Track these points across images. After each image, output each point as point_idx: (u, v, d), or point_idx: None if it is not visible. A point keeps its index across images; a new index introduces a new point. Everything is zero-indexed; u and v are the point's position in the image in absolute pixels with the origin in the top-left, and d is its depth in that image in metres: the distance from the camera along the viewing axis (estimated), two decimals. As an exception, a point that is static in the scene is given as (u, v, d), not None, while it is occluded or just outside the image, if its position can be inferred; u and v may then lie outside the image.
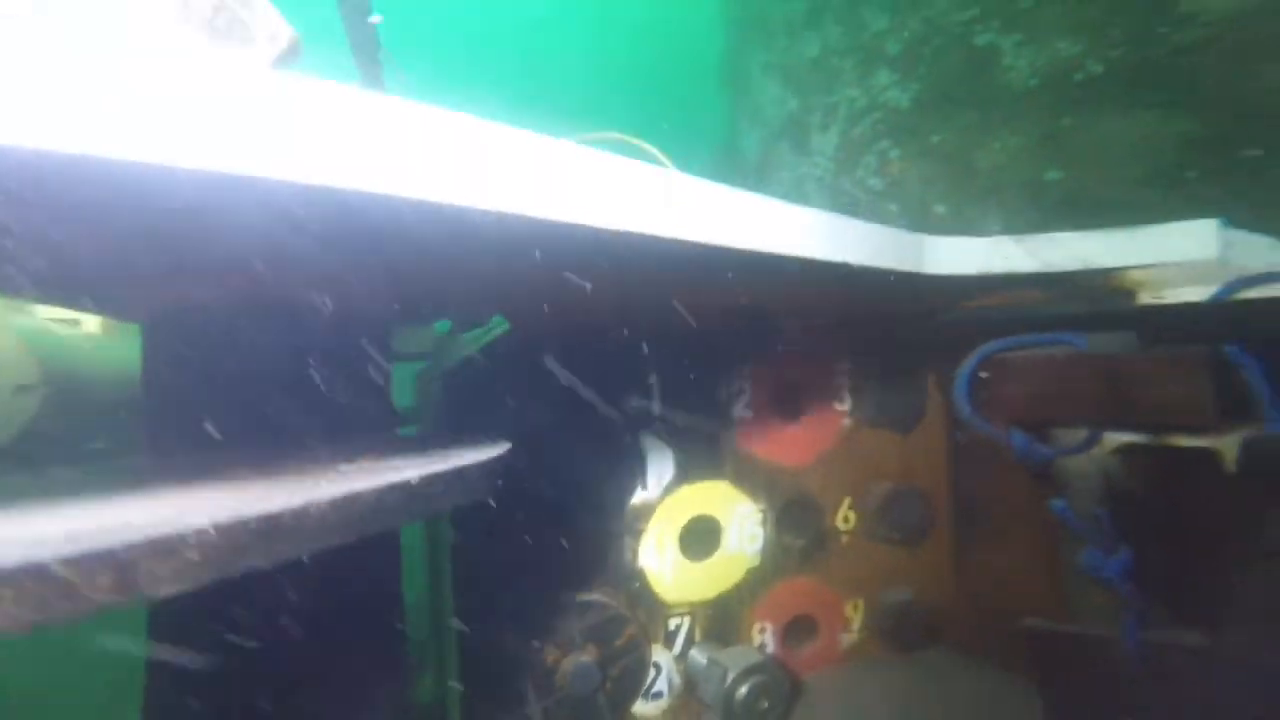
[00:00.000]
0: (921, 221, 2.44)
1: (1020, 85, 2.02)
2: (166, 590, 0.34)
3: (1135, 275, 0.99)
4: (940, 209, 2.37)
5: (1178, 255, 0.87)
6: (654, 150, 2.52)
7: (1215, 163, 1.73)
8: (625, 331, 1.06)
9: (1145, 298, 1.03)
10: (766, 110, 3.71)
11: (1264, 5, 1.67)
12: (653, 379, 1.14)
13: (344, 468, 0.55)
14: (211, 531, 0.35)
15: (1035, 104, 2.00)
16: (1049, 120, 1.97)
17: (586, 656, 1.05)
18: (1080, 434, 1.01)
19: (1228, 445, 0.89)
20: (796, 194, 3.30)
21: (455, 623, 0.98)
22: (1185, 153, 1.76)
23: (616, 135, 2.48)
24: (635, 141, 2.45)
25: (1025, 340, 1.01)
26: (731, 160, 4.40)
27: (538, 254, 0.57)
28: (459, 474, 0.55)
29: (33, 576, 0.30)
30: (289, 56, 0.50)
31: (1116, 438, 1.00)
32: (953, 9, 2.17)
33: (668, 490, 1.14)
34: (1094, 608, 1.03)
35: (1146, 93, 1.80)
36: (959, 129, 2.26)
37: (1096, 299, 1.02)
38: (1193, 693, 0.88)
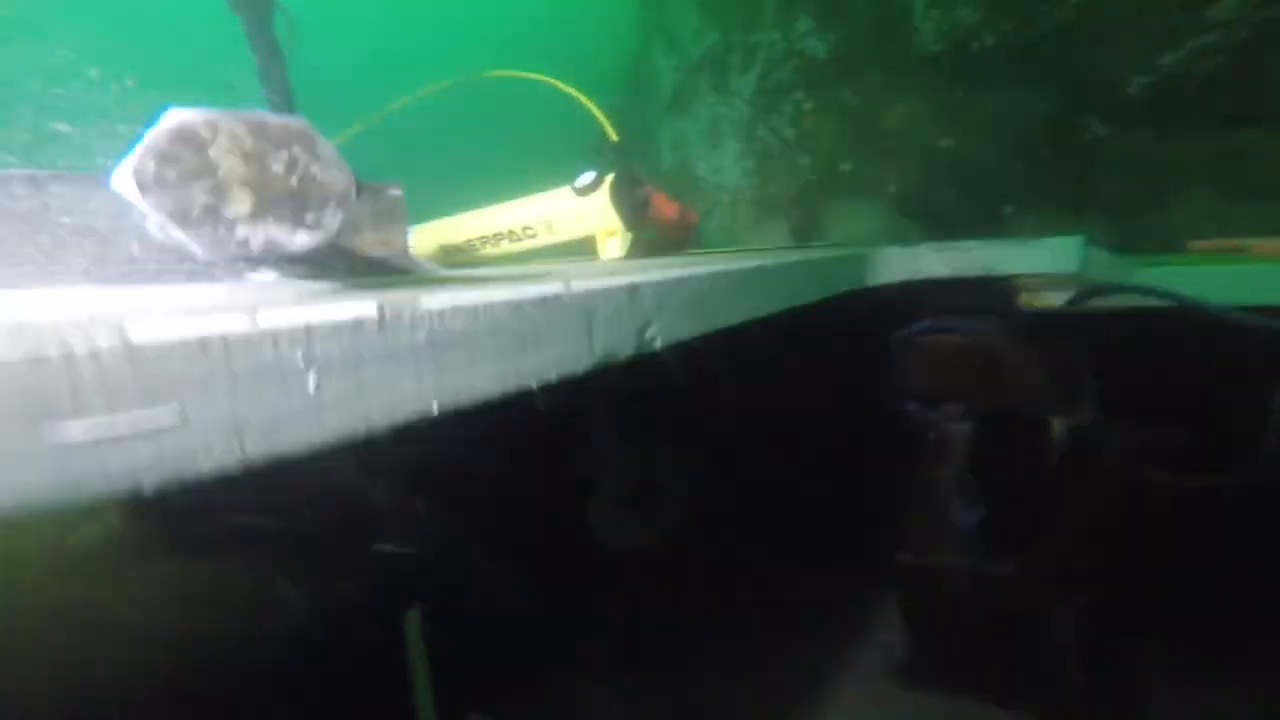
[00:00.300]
0: (828, 177, 2.51)
1: (925, 49, 2.06)
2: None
3: (1021, 280, 1.11)
4: (846, 166, 2.44)
5: (1049, 267, 0.99)
6: (555, 82, 2.28)
7: (1067, 141, 1.93)
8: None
9: (1025, 299, 1.16)
10: (684, 39, 3.48)
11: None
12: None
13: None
14: None
15: (936, 70, 2.06)
16: (946, 89, 2.06)
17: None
18: (959, 407, 1.17)
19: (1058, 426, 1.09)
20: (712, 134, 3.22)
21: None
22: (1046, 131, 1.95)
23: (513, 73, 2.20)
24: (534, 77, 2.19)
25: (935, 326, 1.12)
26: (640, 86, 4.14)
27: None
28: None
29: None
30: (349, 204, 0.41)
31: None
32: (872, -43, 2.12)
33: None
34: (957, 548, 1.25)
35: (1024, 69, 1.92)
36: (868, 88, 2.29)
37: (991, 298, 1.14)
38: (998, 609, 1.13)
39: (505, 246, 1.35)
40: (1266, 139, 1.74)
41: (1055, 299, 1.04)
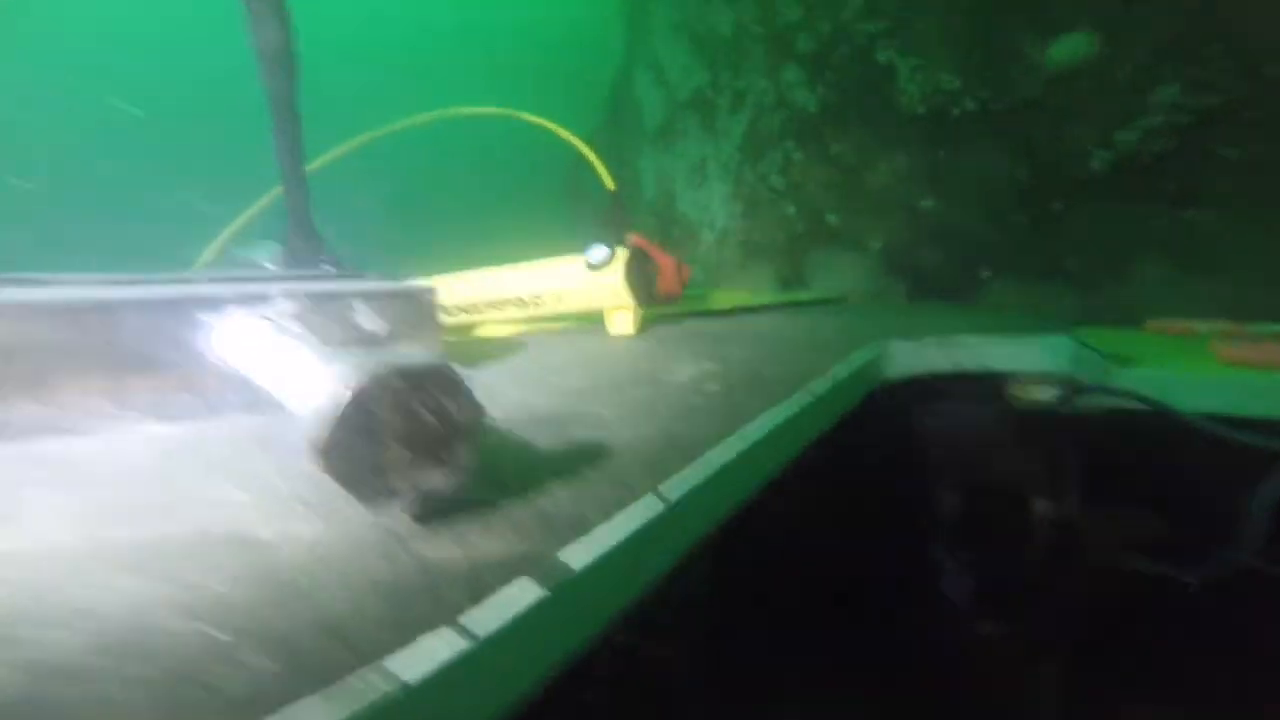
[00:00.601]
0: (815, 228, 2.58)
1: (910, 110, 2.16)
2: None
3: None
4: (833, 219, 2.53)
5: (1040, 365, 1.05)
6: (553, 126, 2.29)
7: (1034, 210, 2.06)
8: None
9: (1016, 391, 1.22)
10: (672, 75, 3.54)
11: (1083, 68, 1.95)
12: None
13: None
14: None
15: (920, 131, 2.16)
16: (929, 150, 2.16)
17: None
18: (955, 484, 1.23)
19: (1043, 508, 1.15)
20: (699, 173, 3.27)
21: None
22: (1018, 198, 2.07)
23: (498, 110, 2.19)
24: (534, 120, 2.20)
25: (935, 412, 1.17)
26: (621, 113, 4.17)
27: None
28: None
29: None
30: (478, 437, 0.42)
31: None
32: (860, 19, 2.21)
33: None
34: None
35: (1000, 137, 2.04)
36: (855, 143, 2.38)
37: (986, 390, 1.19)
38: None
39: (511, 312, 1.34)
40: (1215, 218, 1.89)
41: (1044, 394, 1.10)
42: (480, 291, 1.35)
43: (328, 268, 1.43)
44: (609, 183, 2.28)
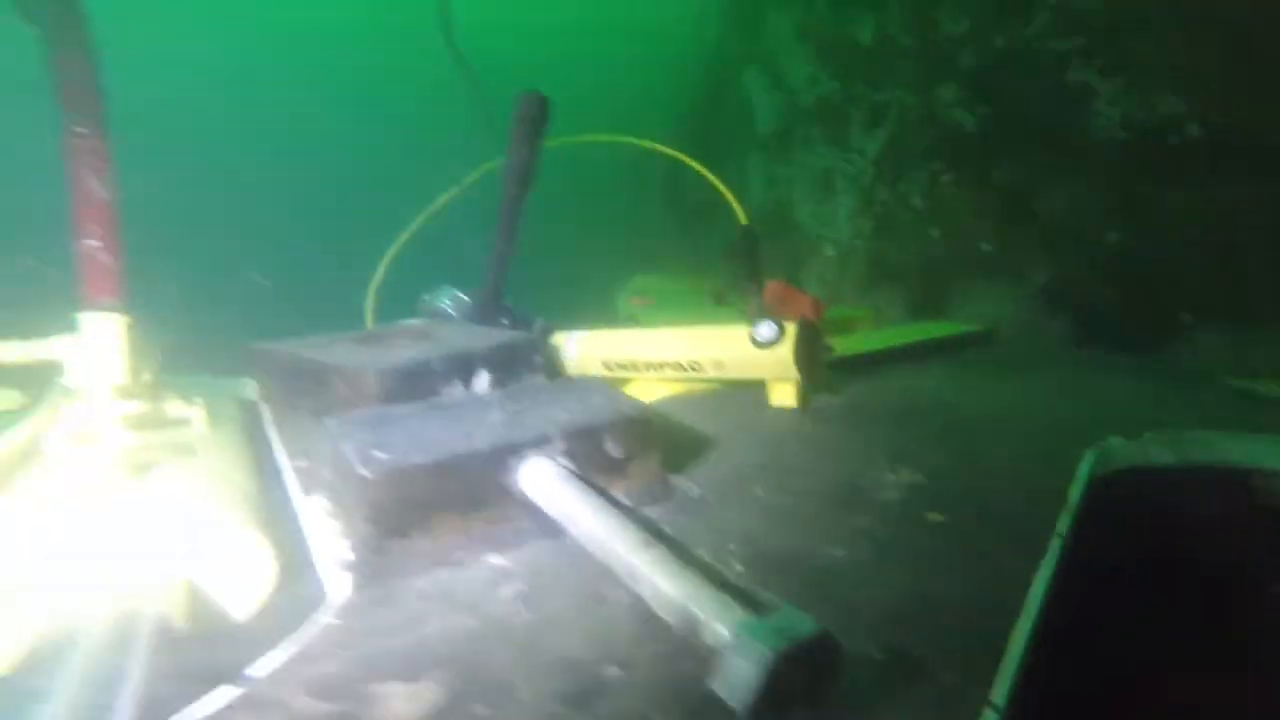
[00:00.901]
0: (963, 255, 2.35)
1: (1105, 135, 1.87)
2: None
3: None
4: (986, 246, 2.28)
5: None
6: (673, 153, 2.26)
7: (1269, 253, 1.71)
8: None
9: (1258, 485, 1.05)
10: (793, 80, 3.36)
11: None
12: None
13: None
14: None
15: (1114, 158, 1.87)
16: (1125, 180, 1.87)
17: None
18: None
19: None
20: (821, 185, 3.10)
21: None
22: (1248, 234, 1.72)
23: (658, 147, 2.21)
24: (678, 156, 2.19)
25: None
26: (721, 109, 4.02)
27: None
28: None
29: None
30: None
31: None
32: (1047, 35, 1.94)
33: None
34: None
35: (1234, 165, 1.71)
36: (1026, 168, 2.12)
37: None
38: None
39: (668, 374, 1.34)
40: None
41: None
42: (637, 351, 1.36)
43: (504, 320, 1.52)
44: (742, 217, 2.22)
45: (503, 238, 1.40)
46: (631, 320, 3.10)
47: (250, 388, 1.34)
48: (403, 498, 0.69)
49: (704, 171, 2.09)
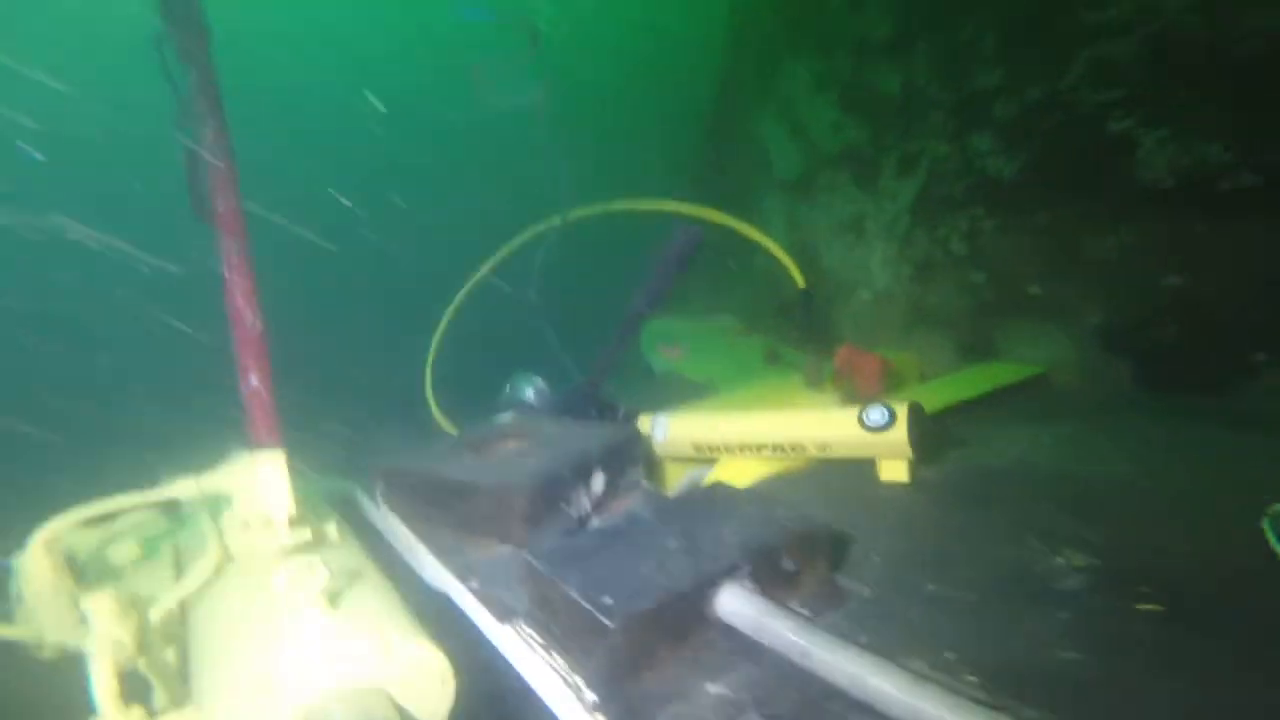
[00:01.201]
0: (1010, 299, 2.37)
1: (1151, 182, 1.91)
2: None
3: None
4: (1035, 289, 2.30)
5: None
6: (728, 220, 2.31)
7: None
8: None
9: None
10: (814, 129, 3.45)
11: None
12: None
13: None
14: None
15: (1166, 205, 1.90)
16: (1178, 224, 1.89)
17: None
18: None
19: None
20: (851, 230, 3.14)
21: None
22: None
23: (713, 215, 2.25)
24: (711, 216, 2.23)
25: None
26: (733, 149, 4.07)
27: None
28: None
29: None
30: None
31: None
32: (1088, 87, 2.00)
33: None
34: None
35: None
36: (1070, 213, 2.15)
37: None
38: None
39: (766, 455, 1.33)
40: None
41: None
42: (734, 434, 1.35)
43: (592, 410, 1.53)
44: (800, 281, 2.24)
45: (618, 341, 1.49)
46: (672, 372, 3.10)
47: (347, 488, 1.34)
48: (634, 642, 0.75)
49: (762, 239, 2.13)
